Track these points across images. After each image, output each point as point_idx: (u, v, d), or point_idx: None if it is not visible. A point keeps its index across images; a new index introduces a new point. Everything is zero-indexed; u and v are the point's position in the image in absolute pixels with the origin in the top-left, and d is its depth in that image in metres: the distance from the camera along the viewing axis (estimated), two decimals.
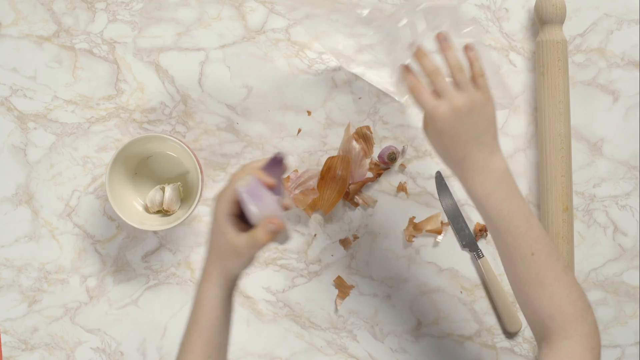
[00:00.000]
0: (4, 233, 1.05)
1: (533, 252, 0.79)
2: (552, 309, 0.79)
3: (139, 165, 1.03)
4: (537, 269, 0.79)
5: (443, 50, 0.81)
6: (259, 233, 0.75)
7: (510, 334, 1.05)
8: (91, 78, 1.05)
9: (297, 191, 1.02)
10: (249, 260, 0.79)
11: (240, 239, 0.76)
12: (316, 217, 1.05)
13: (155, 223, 1.00)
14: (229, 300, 0.81)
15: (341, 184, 1.03)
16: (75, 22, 1.05)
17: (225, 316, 0.81)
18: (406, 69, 0.82)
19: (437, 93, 0.79)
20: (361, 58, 0.97)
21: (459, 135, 0.79)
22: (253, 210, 0.75)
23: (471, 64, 0.81)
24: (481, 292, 1.05)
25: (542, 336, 0.80)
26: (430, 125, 0.80)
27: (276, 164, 0.77)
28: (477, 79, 0.80)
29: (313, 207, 1.05)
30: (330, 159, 1.04)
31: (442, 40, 0.81)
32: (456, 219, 1.06)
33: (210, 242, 0.80)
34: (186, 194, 1.03)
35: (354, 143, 1.04)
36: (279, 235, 0.76)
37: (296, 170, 1.04)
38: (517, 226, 0.79)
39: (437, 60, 0.81)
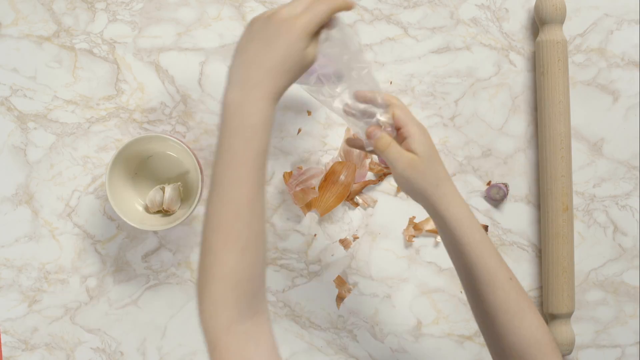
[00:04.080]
0: (4, 233, 1.05)
1: (510, 277, 0.78)
2: (533, 337, 0.77)
3: (139, 165, 1.03)
4: (516, 294, 0.77)
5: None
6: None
7: None
8: (91, 78, 1.05)
9: (298, 188, 1.02)
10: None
11: (312, 52, 0.76)
12: (314, 217, 1.05)
13: (155, 223, 1.00)
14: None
15: (342, 190, 1.03)
16: (75, 22, 1.05)
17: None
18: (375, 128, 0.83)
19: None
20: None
21: (436, 151, 0.83)
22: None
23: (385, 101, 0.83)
24: None
25: None
26: (418, 138, 0.82)
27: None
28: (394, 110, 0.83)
29: (310, 206, 1.05)
30: (337, 163, 1.04)
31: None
32: None
33: (277, 61, 0.74)
34: (186, 194, 1.03)
35: None
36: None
37: (300, 167, 1.04)
38: (492, 251, 0.79)
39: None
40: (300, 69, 0.76)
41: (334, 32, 0.79)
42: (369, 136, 0.82)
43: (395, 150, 0.81)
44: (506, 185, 1.05)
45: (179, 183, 1.03)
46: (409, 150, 0.81)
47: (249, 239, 0.70)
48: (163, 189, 1.02)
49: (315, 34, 0.76)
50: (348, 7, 0.77)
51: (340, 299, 1.05)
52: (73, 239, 1.05)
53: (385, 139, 0.81)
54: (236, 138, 0.72)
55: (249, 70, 0.73)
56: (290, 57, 0.74)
